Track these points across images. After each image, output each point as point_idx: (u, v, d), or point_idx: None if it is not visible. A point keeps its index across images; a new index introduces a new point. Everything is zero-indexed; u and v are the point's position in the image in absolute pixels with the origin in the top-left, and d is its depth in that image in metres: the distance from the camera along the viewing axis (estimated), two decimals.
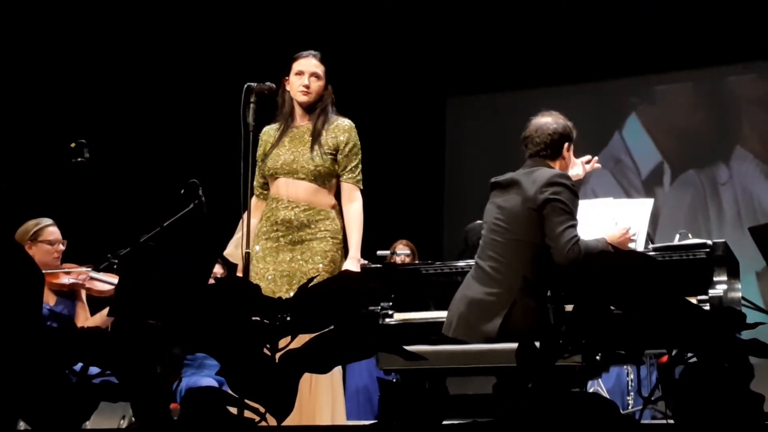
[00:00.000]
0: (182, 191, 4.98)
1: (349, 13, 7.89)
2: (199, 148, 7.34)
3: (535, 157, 4.00)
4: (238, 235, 4.42)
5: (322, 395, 4.16)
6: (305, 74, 4.50)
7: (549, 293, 3.81)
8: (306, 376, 1.69)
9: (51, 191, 6.38)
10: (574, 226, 3.81)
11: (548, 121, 4.05)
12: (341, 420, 4.26)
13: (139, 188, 7.15)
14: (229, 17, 7.77)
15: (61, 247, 5.20)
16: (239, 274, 4.32)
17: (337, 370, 4.32)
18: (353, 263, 4.32)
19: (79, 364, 1.67)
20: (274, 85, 4.47)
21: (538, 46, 7.90)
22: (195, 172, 5.20)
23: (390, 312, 4.52)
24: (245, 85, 4.40)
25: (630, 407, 5.74)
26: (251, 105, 4.37)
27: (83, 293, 5.22)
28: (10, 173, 6.72)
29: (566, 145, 4.03)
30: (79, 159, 5.08)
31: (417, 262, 5.94)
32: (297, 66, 4.53)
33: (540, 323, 3.64)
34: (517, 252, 3.82)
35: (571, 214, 3.81)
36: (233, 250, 4.44)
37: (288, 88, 4.55)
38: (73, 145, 5.09)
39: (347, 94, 4.74)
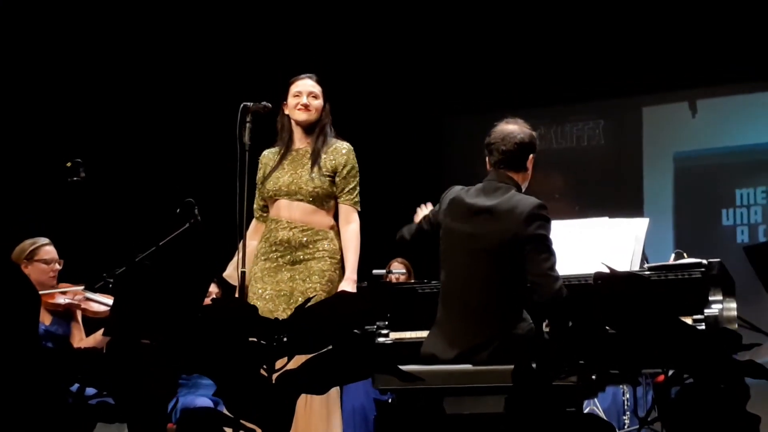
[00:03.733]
0: (178, 210, 4.98)
1: (346, 35, 7.91)
2: (196, 167, 7.35)
3: (499, 169, 3.90)
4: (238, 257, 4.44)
5: (316, 414, 4.17)
6: (303, 94, 4.54)
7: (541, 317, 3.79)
8: (302, 396, 1.69)
9: (47, 210, 6.38)
10: (556, 261, 3.77)
11: (514, 129, 3.93)
12: None
13: (135, 207, 7.15)
14: (226, 37, 7.79)
15: (57, 267, 5.19)
16: (236, 295, 4.34)
17: (334, 390, 4.33)
18: (349, 284, 4.35)
19: (76, 385, 1.67)
20: (270, 105, 4.50)
21: (539, 65, 7.92)
22: (191, 192, 5.21)
23: (386, 331, 4.52)
24: (241, 105, 4.42)
25: (626, 427, 5.73)
26: (247, 124, 4.40)
27: (78, 314, 5.21)
28: (6, 192, 6.72)
29: (531, 156, 3.93)
30: (75, 178, 5.08)
31: (413, 280, 5.94)
32: (294, 88, 4.57)
33: (533, 345, 3.60)
34: (503, 287, 3.73)
35: (552, 249, 3.77)
36: (232, 272, 4.47)
37: (286, 111, 4.58)
38: (69, 164, 5.10)
39: (344, 114, 4.76)
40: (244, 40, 7.80)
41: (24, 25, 7.13)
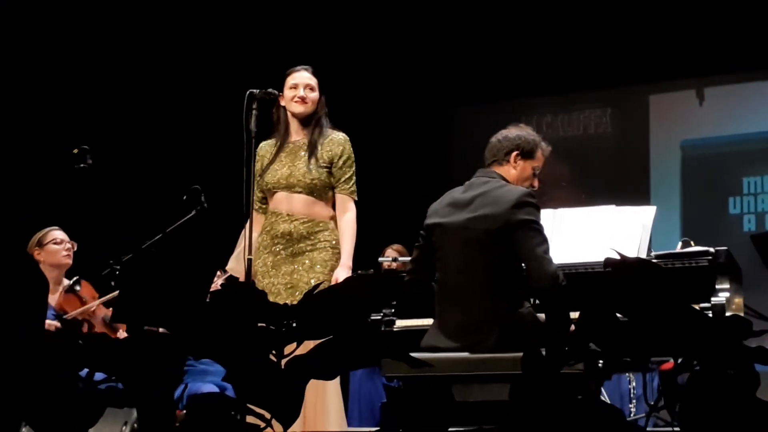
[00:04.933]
0: (185, 197, 4.98)
1: (348, 25, 7.90)
2: (202, 154, 7.35)
3: (486, 167, 3.98)
4: (239, 249, 4.48)
5: (332, 401, 4.20)
6: (300, 86, 4.57)
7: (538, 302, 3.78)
8: (312, 382, 1.69)
9: (54, 198, 6.39)
10: (549, 247, 3.76)
11: (506, 131, 4.02)
12: (342, 426, 4.29)
13: (142, 194, 7.16)
14: (232, 25, 7.79)
15: (69, 246, 5.28)
16: None
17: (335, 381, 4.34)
18: (345, 270, 4.38)
19: (85, 370, 1.68)
20: (276, 92, 4.52)
21: (545, 53, 7.90)
22: (197, 179, 5.21)
23: (392, 319, 4.52)
24: (247, 92, 4.42)
25: (632, 415, 5.73)
26: (253, 111, 4.41)
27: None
28: (14, 180, 6.72)
29: (514, 153, 3.94)
30: (81, 165, 5.09)
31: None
32: (291, 80, 4.60)
33: (538, 332, 3.60)
34: (498, 275, 3.72)
35: (544, 234, 3.77)
36: (234, 265, 4.50)
37: (283, 103, 4.60)
38: (75, 151, 5.10)
39: (347, 105, 4.76)
40: (249, 28, 7.79)
41: (31, 13, 7.13)
